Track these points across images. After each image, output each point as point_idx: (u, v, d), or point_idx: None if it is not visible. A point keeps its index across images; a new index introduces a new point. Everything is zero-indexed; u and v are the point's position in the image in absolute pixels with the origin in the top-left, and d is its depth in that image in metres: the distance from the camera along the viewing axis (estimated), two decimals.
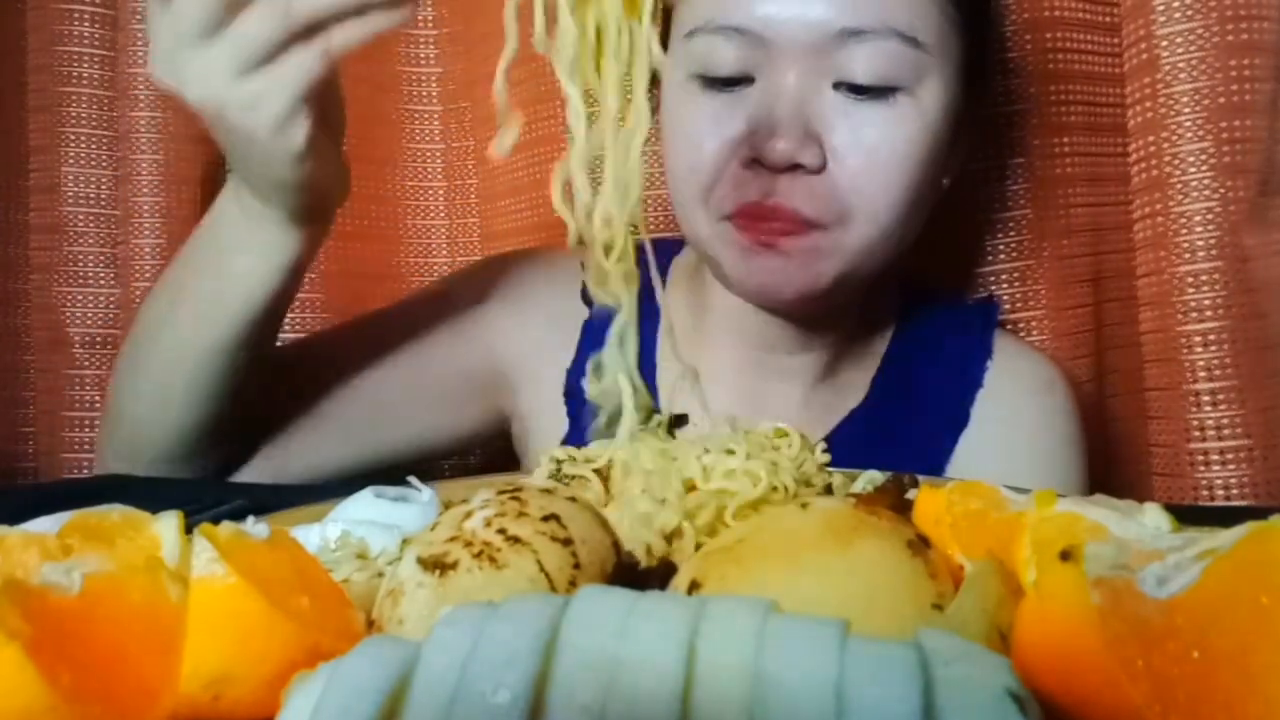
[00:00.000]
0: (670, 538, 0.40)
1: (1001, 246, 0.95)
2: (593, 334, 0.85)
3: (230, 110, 0.58)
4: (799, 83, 0.69)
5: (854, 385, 0.84)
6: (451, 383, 0.86)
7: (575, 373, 0.86)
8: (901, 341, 0.86)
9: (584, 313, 0.87)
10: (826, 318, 0.79)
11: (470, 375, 0.86)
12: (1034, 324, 0.95)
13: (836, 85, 0.69)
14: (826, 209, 0.69)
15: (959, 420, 0.83)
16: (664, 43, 0.73)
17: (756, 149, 0.69)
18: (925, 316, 0.87)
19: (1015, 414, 0.82)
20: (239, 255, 0.68)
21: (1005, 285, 0.95)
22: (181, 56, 0.58)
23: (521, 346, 0.87)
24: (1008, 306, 0.95)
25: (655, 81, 0.50)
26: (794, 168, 0.69)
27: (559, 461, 0.48)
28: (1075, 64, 0.94)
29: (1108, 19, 0.93)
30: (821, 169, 0.69)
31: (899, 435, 0.81)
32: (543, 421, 0.88)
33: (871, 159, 0.69)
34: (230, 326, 0.68)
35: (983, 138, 0.94)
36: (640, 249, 0.52)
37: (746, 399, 0.81)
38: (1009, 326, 0.95)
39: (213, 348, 0.68)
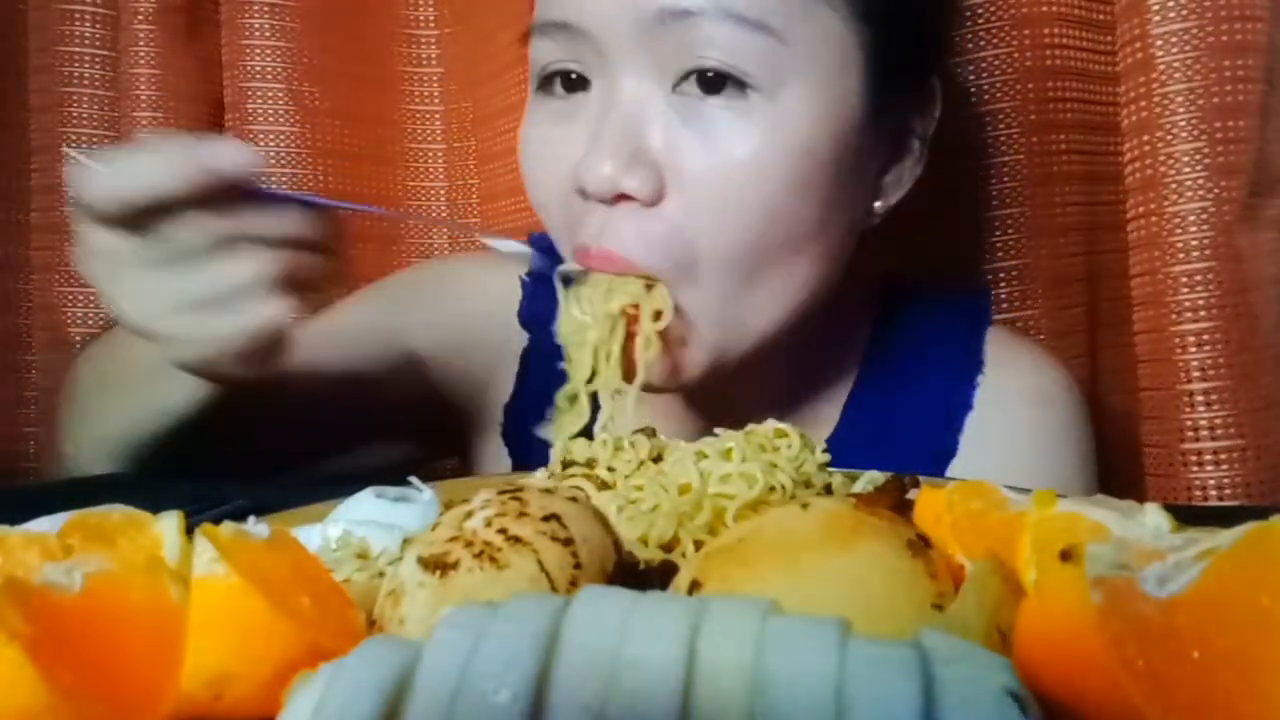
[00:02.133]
0: (668, 546, 0.40)
1: (997, 245, 0.95)
2: (534, 365, 0.78)
3: (166, 341, 0.54)
4: (633, 87, 0.57)
5: (822, 415, 0.74)
6: (397, 413, 0.78)
7: (516, 410, 0.78)
8: (877, 357, 0.75)
9: (523, 339, 0.80)
10: (772, 358, 0.66)
11: (409, 400, 0.78)
12: (1030, 323, 0.94)
13: (675, 87, 0.57)
14: (662, 253, 0.57)
15: (946, 450, 0.72)
16: None
17: (580, 176, 0.57)
18: (907, 322, 0.76)
19: (1009, 439, 0.72)
20: (170, 381, 0.60)
21: (1000, 284, 0.94)
22: (118, 272, 0.52)
23: (451, 378, 0.79)
24: (1004, 305, 0.94)
25: None
26: (626, 198, 0.57)
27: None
28: (1070, 61, 0.94)
29: (1103, 16, 0.93)
30: (658, 200, 0.57)
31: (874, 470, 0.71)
32: (482, 464, 0.81)
33: (718, 184, 0.56)
34: (177, 417, 0.63)
35: (965, 140, 0.93)
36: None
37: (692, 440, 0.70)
38: (1008, 322, 0.93)
39: (161, 434, 0.64)
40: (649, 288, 0.59)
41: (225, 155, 0.50)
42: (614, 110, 0.58)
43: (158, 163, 0.50)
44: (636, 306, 0.58)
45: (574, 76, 0.61)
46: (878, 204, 0.66)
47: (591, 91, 0.60)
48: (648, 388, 0.60)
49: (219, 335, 0.53)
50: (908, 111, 0.65)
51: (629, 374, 0.59)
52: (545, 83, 0.62)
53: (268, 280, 0.52)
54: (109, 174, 0.50)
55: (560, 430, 0.58)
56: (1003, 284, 0.94)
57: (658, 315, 0.59)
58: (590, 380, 0.59)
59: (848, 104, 0.59)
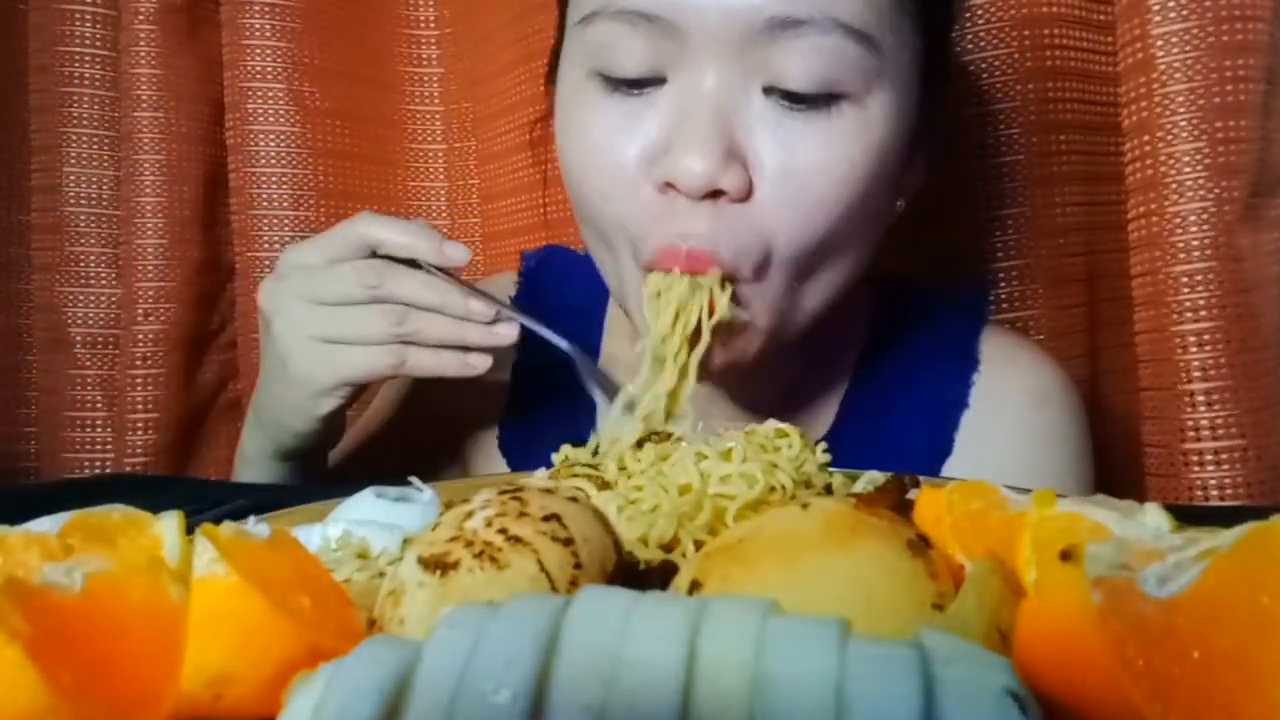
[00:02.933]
0: (669, 546, 0.40)
1: (998, 245, 0.95)
2: (524, 378, 0.83)
3: (294, 357, 0.66)
4: (720, 85, 0.57)
5: (819, 412, 0.75)
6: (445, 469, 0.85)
7: (510, 423, 0.82)
8: (874, 356, 0.76)
9: (512, 355, 0.83)
10: (778, 351, 0.68)
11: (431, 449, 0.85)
12: (1030, 323, 0.94)
13: (767, 90, 0.57)
14: (745, 250, 0.58)
15: (942, 448, 0.73)
16: (560, 29, 0.68)
17: (669, 170, 0.57)
18: (904, 321, 0.77)
19: (1005, 437, 0.72)
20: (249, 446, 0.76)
21: (1001, 284, 0.94)
22: (291, 301, 0.66)
23: (454, 413, 0.84)
24: (1005, 305, 0.94)
25: None
26: (714, 195, 0.57)
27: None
28: (1071, 61, 0.94)
29: (1103, 17, 0.93)
30: (746, 196, 0.57)
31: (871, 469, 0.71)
32: (480, 473, 0.84)
33: (804, 185, 0.57)
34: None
35: (957, 143, 0.93)
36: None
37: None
38: (1009, 322, 0.93)
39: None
40: (721, 283, 0.59)
41: (454, 252, 0.66)
42: (701, 106, 0.57)
43: (413, 230, 0.66)
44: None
45: (641, 64, 0.59)
46: (899, 203, 0.68)
47: (667, 84, 0.59)
48: (707, 378, 0.62)
49: (330, 363, 0.66)
50: (929, 114, 0.67)
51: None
52: (608, 69, 0.60)
53: (391, 336, 0.65)
54: (387, 223, 0.66)
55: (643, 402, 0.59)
56: (1003, 284, 0.94)
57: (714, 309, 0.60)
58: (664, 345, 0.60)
59: (913, 108, 0.62)
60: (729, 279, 0.59)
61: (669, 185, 0.58)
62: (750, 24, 0.56)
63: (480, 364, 0.66)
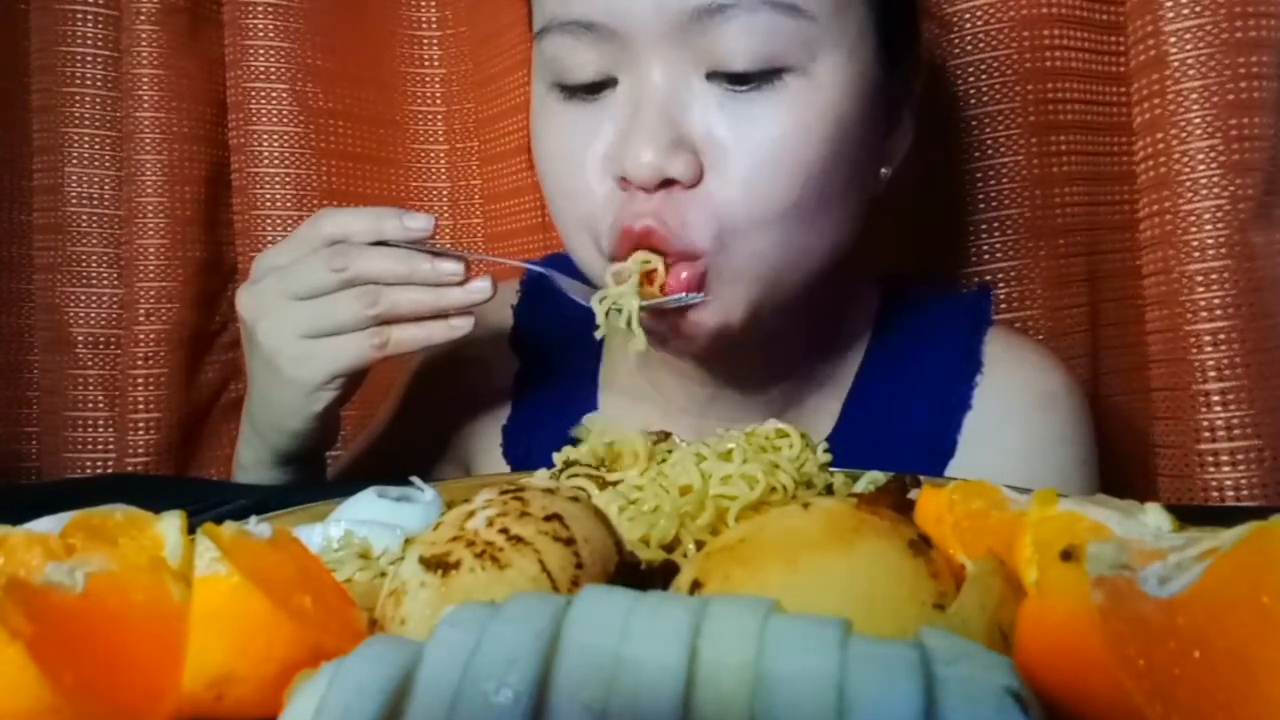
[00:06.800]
0: (670, 546, 0.40)
1: (998, 246, 0.94)
2: (527, 384, 0.84)
3: (281, 358, 0.66)
4: (665, 78, 0.59)
5: (822, 412, 0.75)
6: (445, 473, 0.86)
7: (513, 429, 0.83)
8: (877, 356, 0.76)
9: (514, 363, 0.84)
10: (779, 344, 0.70)
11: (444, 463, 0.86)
12: (1030, 324, 0.94)
13: (710, 75, 0.59)
14: (703, 230, 0.59)
15: (944, 450, 0.72)
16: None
17: (622, 165, 0.59)
18: (907, 322, 0.77)
19: (1008, 439, 0.72)
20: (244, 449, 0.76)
21: (1000, 285, 0.94)
22: (269, 304, 0.67)
23: (458, 422, 0.85)
24: (1003, 306, 0.94)
25: None
26: (668, 184, 0.59)
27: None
28: (1072, 62, 0.94)
29: (1105, 17, 0.93)
30: (697, 181, 0.59)
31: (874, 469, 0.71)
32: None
33: (756, 161, 0.58)
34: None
35: (958, 134, 0.93)
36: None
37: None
38: (1008, 322, 0.93)
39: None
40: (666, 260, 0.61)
41: (416, 224, 0.65)
42: (647, 99, 0.59)
43: (373, 213, 0.66)
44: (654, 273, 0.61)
45: (593, 71, 0.61)
46: (883, 170, 0.69)
47: (618, 85, 0.61)
48: (680, 353, 0.65)
49: (320, 358, 0.66)
50: (902, 82, 0.68)
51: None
52: (562, 79, 0.63)
53: (368, 319, 0.65)
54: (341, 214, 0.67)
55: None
56: (1001, 284, 0.94)
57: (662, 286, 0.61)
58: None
59: (867, 71, 0.62)
60: (686, 256, 0.60)
61: (625, 180, 0.60)
62: (679, 16, 0.58)
63: (463, 325, 0.67)
